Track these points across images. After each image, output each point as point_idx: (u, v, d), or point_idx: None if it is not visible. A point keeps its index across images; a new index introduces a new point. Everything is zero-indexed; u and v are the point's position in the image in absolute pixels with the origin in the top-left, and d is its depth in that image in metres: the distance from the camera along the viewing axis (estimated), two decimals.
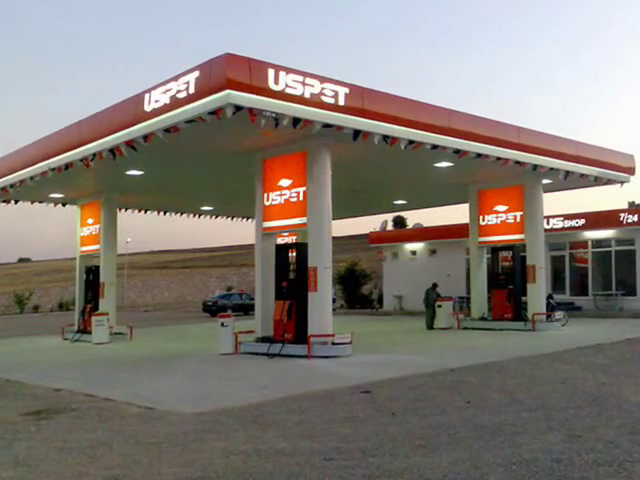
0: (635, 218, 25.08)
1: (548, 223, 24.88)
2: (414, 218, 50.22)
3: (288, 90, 11.50)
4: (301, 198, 13.64)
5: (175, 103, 11.68)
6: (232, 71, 11.03)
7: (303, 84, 11.71)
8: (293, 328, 13.37)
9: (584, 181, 19.09)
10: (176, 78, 11.74)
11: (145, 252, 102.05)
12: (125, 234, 58.65)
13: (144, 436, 6.44)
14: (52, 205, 21.25)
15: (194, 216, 25.38)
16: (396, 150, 13.59)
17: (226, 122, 11.38)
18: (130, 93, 13.36)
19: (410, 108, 13.90)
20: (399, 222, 56.01)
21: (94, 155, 13.90)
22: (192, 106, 11.35)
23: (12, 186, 17.61)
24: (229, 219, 26.30)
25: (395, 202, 24.10)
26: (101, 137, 13.64)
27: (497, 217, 20.11)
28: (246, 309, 33.40)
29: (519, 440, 5.81)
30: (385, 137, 13.08)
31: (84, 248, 20.67)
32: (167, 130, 11.93)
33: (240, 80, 11.00)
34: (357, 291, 36.47)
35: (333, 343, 12.85)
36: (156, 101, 12.11)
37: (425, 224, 33.91)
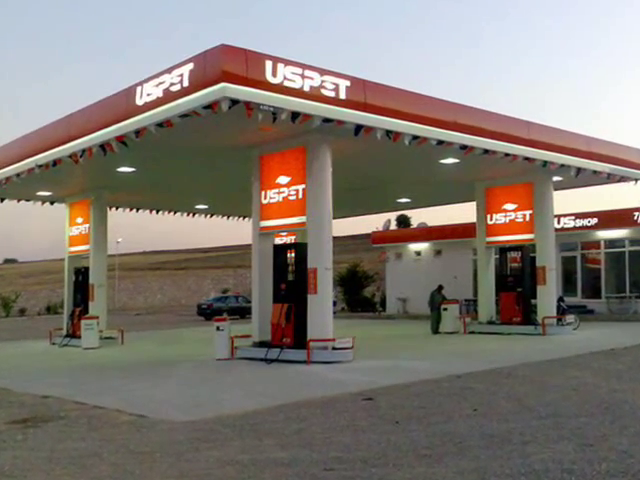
0: None
1: (559, 222, 24.90)
2: (418, 217, 50.25)
3: (286, 83, 11.51)
4: (300, 196, 13.64)
5: (168, 96, 11.68)
6: (228, 63, 11.04)
7: (302, 77, 11.72)
8: (292, 332, 13.37)
9: (597, 178, 19.10)
10: (169, 70, 11.74)
11: (137, 253, 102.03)
12: (116, 234, 58.69)
13: (136, 445, 6.44)
14: (39, 203, 21.26)
15: (188, 215, 25.40)
16: (399, 146, 13.59)
17: (222, 116, 11.39)
18: (121, 86, 13.38)
19: (414, 102, 13.91)
20: (403, 221, 56.07)
21: (83, 151, 13.91)
22: (186, 100, 11.36)
23: None
24: (225, 218, 26.33)
25: (399, 200, 24.11)
26: (91, 132, 13.64)
27: (505, 216, 20.12)
28: (242, 312, 33.41)
29: (528, 449, 5.82)
30: (388, 132, 13.09)
31: (73, 248, 20.67)
32: (160, 125, 11.93)
33: (236, 72, 11.01)
34: (359, 293, 36.48)
35: (334, 348, 12.85)
36: (148, 94, 12.11)
37: (430, 223, 33.96)
